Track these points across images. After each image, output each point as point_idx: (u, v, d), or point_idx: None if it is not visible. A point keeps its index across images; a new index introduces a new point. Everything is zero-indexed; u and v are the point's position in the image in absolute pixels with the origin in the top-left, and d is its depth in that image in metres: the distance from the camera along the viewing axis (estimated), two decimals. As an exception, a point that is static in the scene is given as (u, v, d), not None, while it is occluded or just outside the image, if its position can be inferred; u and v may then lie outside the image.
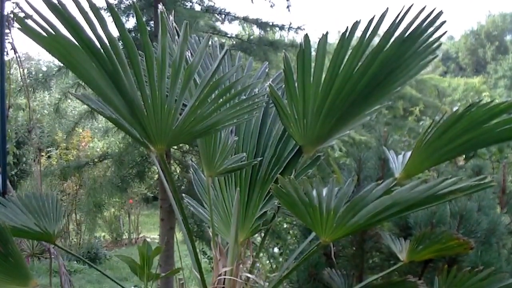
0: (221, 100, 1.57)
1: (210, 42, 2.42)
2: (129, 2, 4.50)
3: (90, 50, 1.49)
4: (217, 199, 2.11)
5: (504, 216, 3.03)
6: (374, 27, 1.67)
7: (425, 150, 1.94)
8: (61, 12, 1.44)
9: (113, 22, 1.46)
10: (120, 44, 1.50)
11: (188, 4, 4.46)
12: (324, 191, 2.40)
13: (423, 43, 1.78)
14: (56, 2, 1.41)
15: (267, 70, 2.41)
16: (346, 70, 1.71)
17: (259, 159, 2.00)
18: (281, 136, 2.06)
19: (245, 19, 4.57)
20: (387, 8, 1.69)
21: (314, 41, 1.81)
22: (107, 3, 1.43)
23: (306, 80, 1.74)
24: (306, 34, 1.68)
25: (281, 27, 4.38)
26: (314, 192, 1.52)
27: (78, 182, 8.52)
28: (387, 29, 1.69)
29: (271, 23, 4.43)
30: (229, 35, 4.76)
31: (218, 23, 4.80)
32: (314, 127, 1.84)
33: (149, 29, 4.41)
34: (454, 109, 6.91)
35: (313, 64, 1.73)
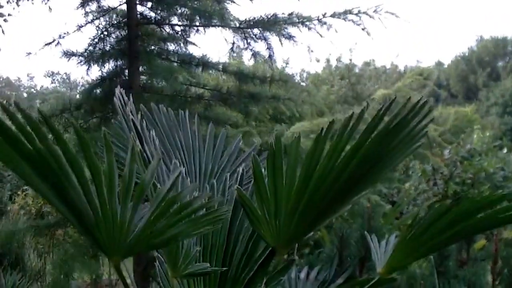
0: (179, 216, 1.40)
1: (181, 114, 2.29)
2: (101, 51, 4.32)
3: (31, 163, 1.33)
4: (184, 299, 1.92)
5: (497, 290, 2.86)
6: (352, 126, 1.52)
7: (411, 243, 1.81)
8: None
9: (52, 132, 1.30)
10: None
11: (165, 53, 4.24)
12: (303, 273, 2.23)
13: (408, 134, 1.64)
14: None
15: (240, 144, 2.26)
16: (321, 172, 1.55)
17: (225, 269, 1.81)
18: (253, 231, 1.89)
19: (224, 70, 4.33)
20: (367, 104, 1.55)
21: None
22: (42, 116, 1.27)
23: (277, 183, 1.58)
24: (277, 135, 1.52)
25: (263, 80, 4.13)
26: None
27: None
28: (368, 125, 1.54)
29: (251, 75, 4.19)
30: (207, 87, 4.50)
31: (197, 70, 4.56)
32: (287, 228, 1.66)
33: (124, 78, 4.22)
34: (446, 152, 6.78)
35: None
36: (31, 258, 8.58)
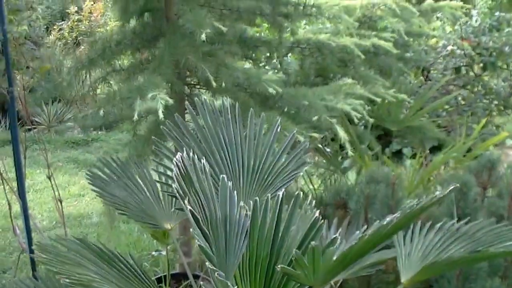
0: None
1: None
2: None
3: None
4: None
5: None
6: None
7: (435, 266, 1.97)
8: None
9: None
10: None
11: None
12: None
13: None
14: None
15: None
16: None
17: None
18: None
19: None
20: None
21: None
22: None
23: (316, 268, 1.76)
24: (316, 247, 1.65)
25: (296, 6, 3.67)
26: None
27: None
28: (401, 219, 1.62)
29: (285, 1, 3.71)
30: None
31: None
32: (323, 279, 1.86)
33: None
34: (473, 12, 6.35)
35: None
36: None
